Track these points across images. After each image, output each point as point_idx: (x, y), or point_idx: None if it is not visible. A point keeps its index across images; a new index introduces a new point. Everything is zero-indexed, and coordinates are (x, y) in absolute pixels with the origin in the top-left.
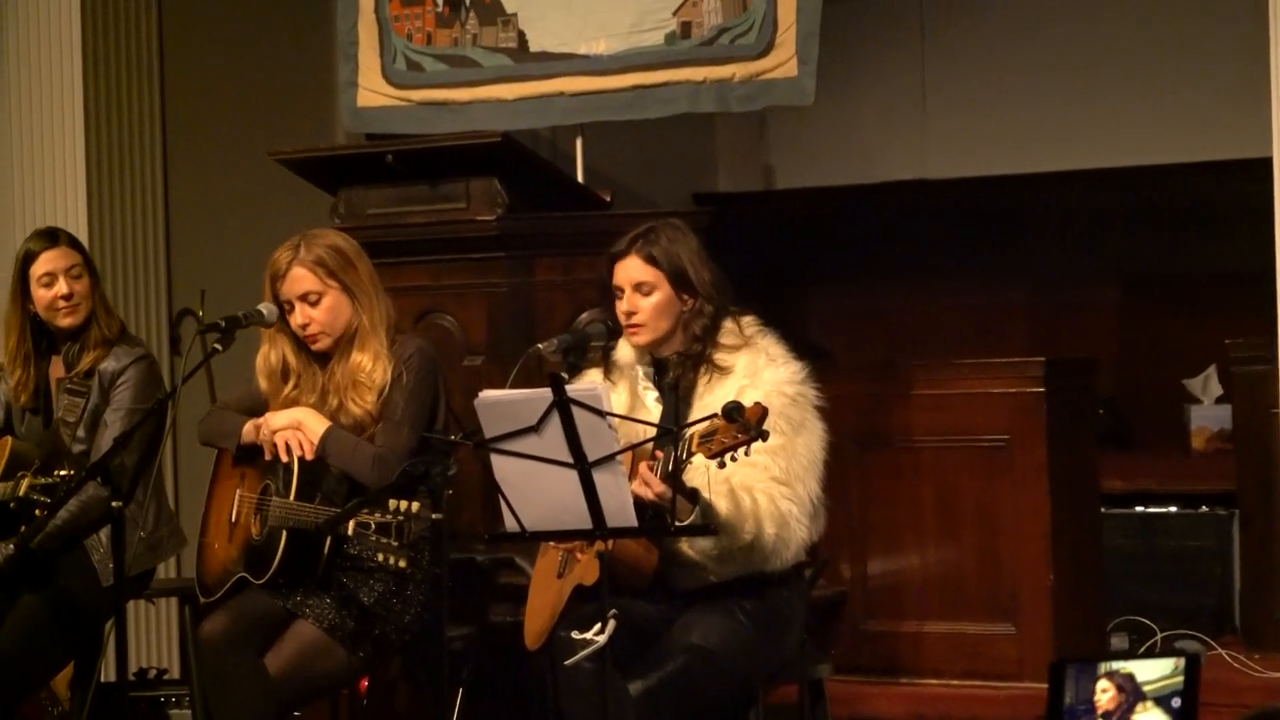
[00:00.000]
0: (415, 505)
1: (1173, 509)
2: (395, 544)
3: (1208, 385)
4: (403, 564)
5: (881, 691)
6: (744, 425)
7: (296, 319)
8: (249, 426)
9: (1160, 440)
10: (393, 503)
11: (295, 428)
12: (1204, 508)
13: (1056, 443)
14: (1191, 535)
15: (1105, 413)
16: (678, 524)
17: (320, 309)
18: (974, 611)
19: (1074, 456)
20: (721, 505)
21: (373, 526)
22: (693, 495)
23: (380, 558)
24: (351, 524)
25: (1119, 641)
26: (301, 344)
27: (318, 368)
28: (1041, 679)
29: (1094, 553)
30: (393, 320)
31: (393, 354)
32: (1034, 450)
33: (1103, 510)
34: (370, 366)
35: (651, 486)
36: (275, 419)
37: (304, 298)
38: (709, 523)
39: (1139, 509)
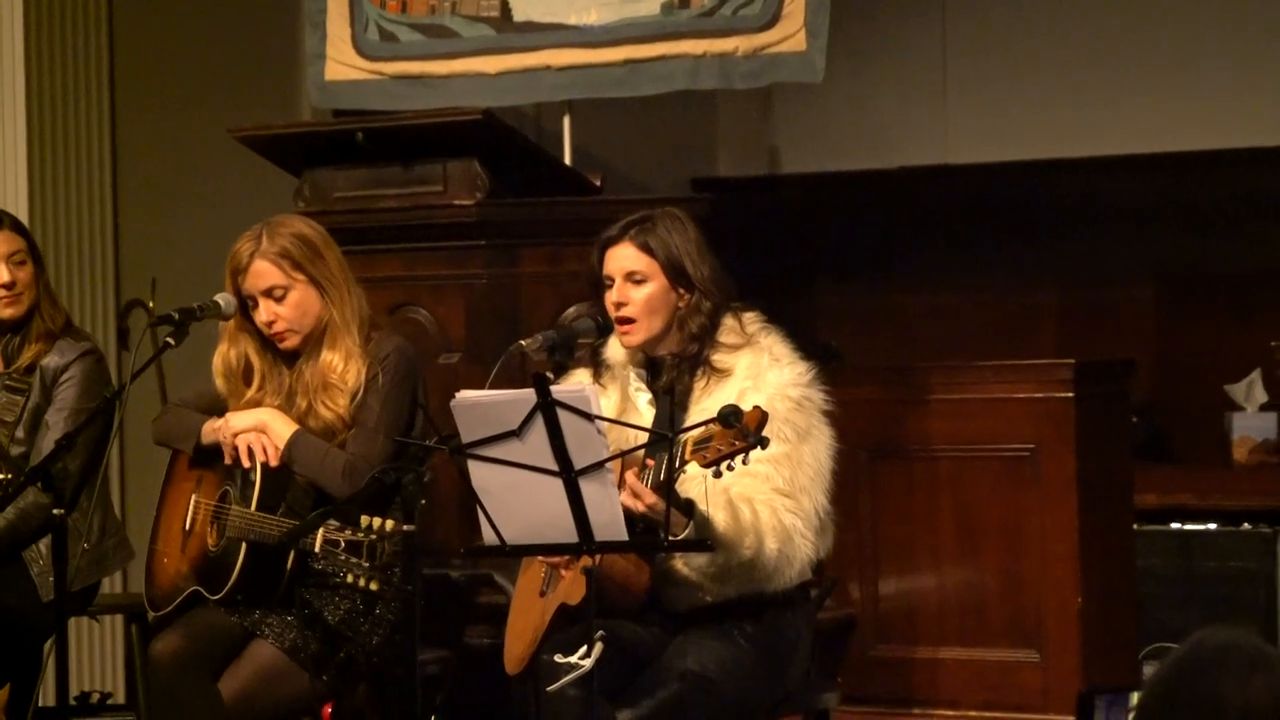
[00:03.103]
0: (390, 524)
1: (1213, 526)
2: (367, 564)
3: (1251, 392)
4: (374, 586)
5: None
6: (742, 431)
7: (261, 316)
8: (209, 426)
9: (1200, 451)
10: (365, 519)
11: (259, 430)
12: (1247, 525)
13: (1087, 453)
14: (1233, 555)
15: (1140, 421)
16: (671, 538)
17: (287, 305)
18: (995, 637)
19: (1106, 468)
20: (719, 518)
21: (343, 544)
22: (687, 507)
23: (350, 578)
24: (319, 540)
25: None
26: (267, 342)
27: (284, 367)
28: (1069, 711)
29: (1127, 574)
30: (366, 315)
31: (367, 353)
32: (1062, 461)
33: (1137, 527)
34: (342, 366)
35: (642, 498)
36: (238, 420)
37: (268, 293)
38: (705, 537)
39: (1176, 526)
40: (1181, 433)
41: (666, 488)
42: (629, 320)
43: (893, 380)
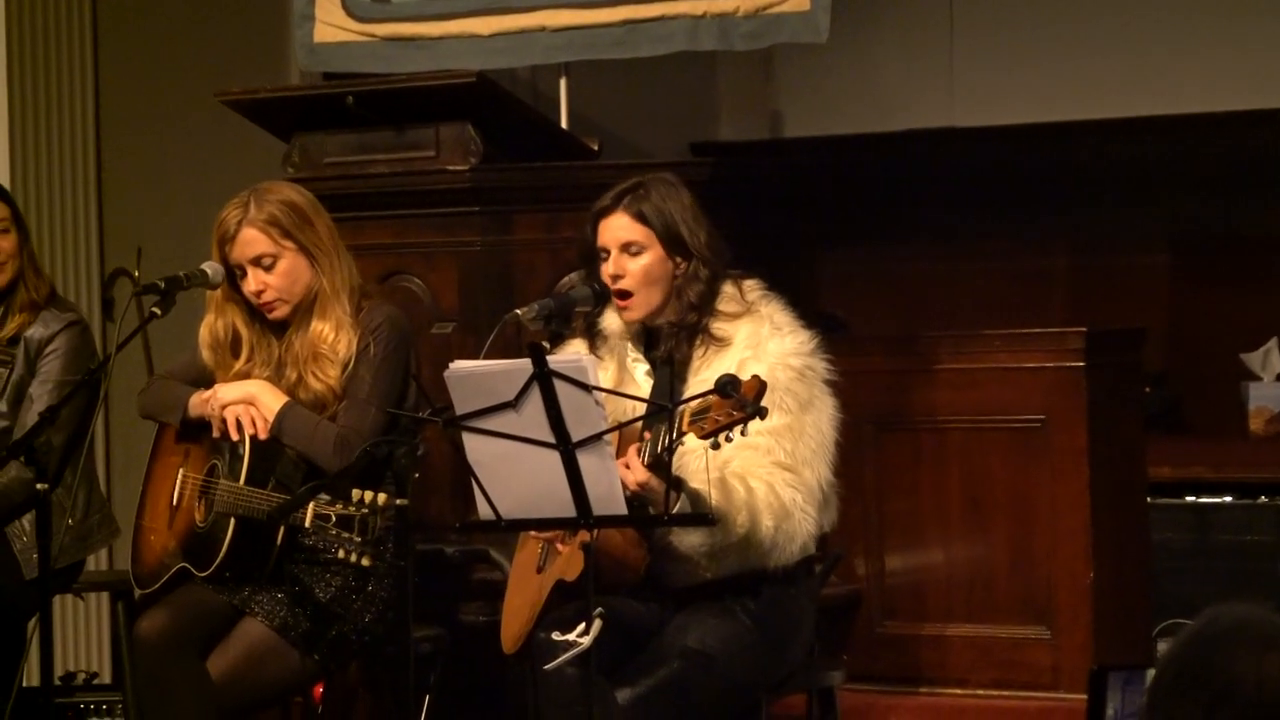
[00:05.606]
0: (382, 497)
1: (1228, 499)
2: (358, 539)
3: (1268, 360)
4: (365, 561)
5: (899, 702)
6: (740, 401)
7: (249, 285)
8: (196, 399)
9: (1214, 422)
10: (356, 493)
11: (248, 402)
12: (1263, 498)
13: (1098, 424)
14: (1249, 528)
15: (1153, 391)
16: (671, 513)
17: (275, 274)
18: (1005, 614)
19: (1118, 440)
20: (710, 496)
21: (333, 519)
22: (675, 485)
23: (341, 554)
24: (310, 514)
25: (1167, 647)
26: (255, 312)
27: (273, 338)
28: (1080, 689)
29: (1140, 548)
30: (357, 284)
31: (358, 323)
32: (1073, 432)
33: (1150, 500)
34: (333, 337)
35: (633, 474)
36: (226, 392)
37: (257, 261)
38: (703, 511)
39: (1190, 499)
40: (1196, 403)
41: (661, 462)
42: (627, 294)
43: (898, 349)
